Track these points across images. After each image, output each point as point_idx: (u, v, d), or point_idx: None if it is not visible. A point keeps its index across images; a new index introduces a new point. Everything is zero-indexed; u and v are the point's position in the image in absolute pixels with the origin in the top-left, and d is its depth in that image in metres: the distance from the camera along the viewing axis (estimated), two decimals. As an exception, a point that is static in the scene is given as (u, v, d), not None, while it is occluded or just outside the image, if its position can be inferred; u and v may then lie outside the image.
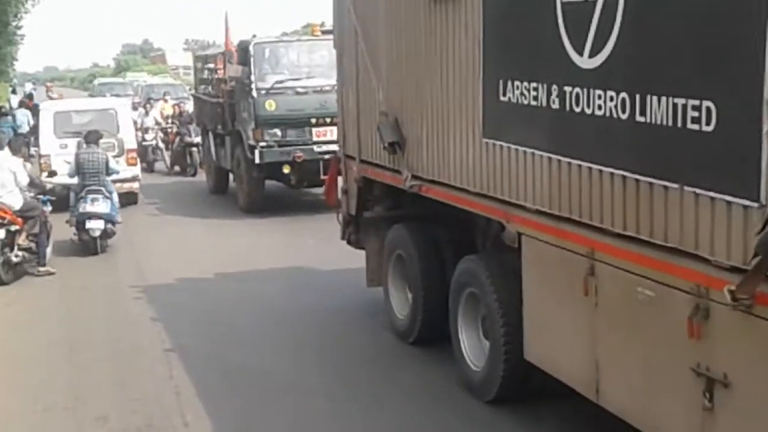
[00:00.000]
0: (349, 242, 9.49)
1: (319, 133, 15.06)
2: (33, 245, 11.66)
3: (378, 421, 6.78)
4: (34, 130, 19.07)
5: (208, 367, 7.96)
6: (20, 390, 7.67)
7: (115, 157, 14.67)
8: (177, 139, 21.73)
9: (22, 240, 11.44)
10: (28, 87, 38.33)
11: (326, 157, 14.97)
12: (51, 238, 12.11)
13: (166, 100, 25.38)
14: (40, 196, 12.17)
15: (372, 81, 8.27)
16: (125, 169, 15.65)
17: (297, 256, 12.27)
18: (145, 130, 22.38)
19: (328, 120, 14.96)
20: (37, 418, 7.05)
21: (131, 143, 16.72)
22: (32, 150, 18.75)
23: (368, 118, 8.49)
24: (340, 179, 9.59)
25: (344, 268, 10.79)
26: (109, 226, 12.93)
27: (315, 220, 15.11)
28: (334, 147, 15.00)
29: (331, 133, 15.03)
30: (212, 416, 6.86)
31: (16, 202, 11.35)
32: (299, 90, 15.07)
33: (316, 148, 14.99)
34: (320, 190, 17.03)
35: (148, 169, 21.85)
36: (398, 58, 7.80)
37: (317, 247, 12.78)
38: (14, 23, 29.75)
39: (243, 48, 15.32)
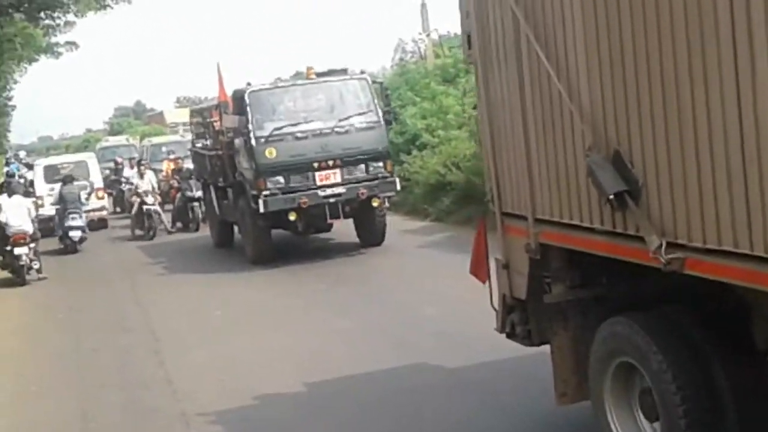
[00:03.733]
0: (510, 336, 6.61)
1: (322, 177, 14.78)
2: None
3: None
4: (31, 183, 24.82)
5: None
6: None
7: (88, 193, 21.63)
8: (178, 195, 21.44)
9: (32, 255, 16.39)
10: (22, 154, 43.64)
11: (331, 200, 14.81)
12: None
13: (171, 159, 24.89)
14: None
15: (559, 99, 5.38)
16: (96, 202, 22.93)
17: (311, 302, 12.05)
18: (146, 194, 21.11)
19: (330, 163, 14.77)
20: None
21: (99, 183, 23.92)
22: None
23: (550, 156, 5.60)
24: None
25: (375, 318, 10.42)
26: (83, 234, 19.78)
27: (325, 266, 14.84)
28: (340, 189, 15.04)
29: (335, 176, 14.85)
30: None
31: (29, 228, 16.37)
32: (298, 135, 14.80)
33: (320, 192, 14.69)
34: (328, 235, 16.89)
35: (147, 236, 20.66)
36: (619, 52, 4.72)
37: (330, 293, 12.55)
38: (4, 94, 29.78)
39: (238, 97, 15.10)
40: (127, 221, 23.33)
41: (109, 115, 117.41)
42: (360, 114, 15.15)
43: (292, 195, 14.57)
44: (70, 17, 25.85)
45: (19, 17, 24.85)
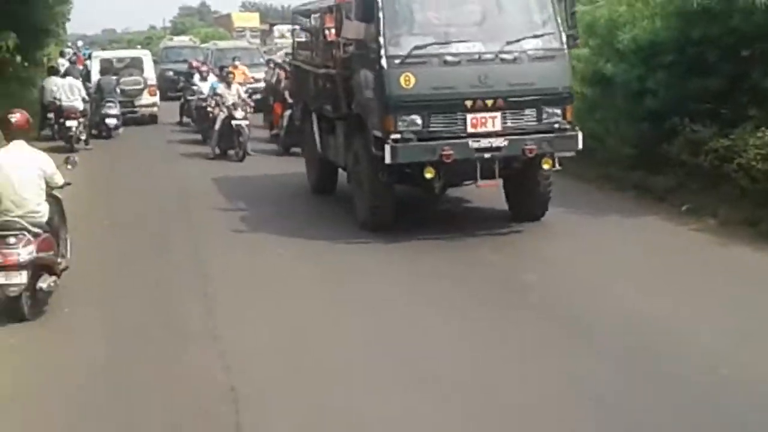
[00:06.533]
0: None
1: (475, 121, 10.45)
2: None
3: None
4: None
5: None
6: None
7: (141, 89, 23.79)
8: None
9: (81, 128, 19.26)
10: (80, 44, 50.30)
11: (486, 156, 10.49)
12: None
13: (236, 66, 21.50)
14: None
15: None
16: (148, 98, 24.03)
17: (453, 312, 7.85)
18: (234, 107, 17.41)
19: (489, 102, 10.47)
20: None
21: (152, 80, 24.46)
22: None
23: None
24: None
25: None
26: (118, 122, 21.32)
27: (465, 246, 10.48)
28: (499, 142, 10.53)
29: (494, 121, 10.51)
30: None
31: (80, 106, 19.40)
32: (448, 59, 10.43)
33: (472, 142, 10.39)
34: (460, 193, 12.59)
35: (236, 157, 17.39)
36: None
37: (485, 305, 8.31)
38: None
39: (367, -3, 10.63)
40: (191, 135, 21.03)
41: (173, 14, 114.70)
42: (536, 36, 10.75)
43: (432, 143, 10.30)
44: None
45: None
